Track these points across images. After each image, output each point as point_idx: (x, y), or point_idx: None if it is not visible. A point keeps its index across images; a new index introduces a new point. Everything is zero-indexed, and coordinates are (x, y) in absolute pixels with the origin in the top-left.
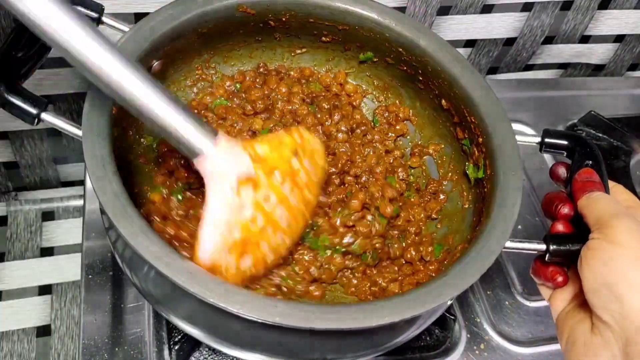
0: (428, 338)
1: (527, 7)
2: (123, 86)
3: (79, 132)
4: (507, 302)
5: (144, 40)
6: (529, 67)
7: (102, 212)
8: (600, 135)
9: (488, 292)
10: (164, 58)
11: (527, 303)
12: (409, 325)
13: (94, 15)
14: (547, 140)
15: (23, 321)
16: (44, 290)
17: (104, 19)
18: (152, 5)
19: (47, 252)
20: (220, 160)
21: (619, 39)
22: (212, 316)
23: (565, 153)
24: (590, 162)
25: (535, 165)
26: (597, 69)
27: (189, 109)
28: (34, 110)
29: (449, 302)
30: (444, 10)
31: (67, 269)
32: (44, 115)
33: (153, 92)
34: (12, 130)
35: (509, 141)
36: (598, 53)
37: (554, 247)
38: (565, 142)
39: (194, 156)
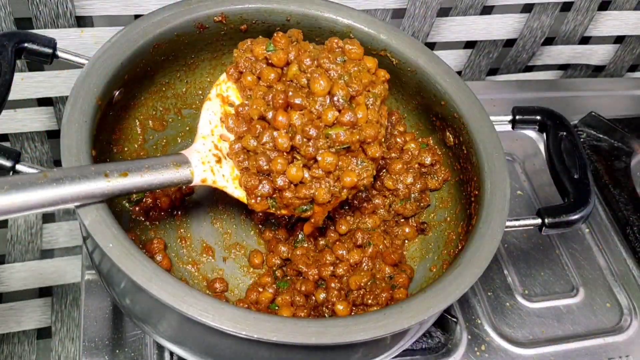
0: (429, 340)
1: (527, 9)
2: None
3: None
4: (507, 304)
5: (111, 67)
6: (529, 68)
7: (86, 237)
8: (601, 136)
9: (489, 294)
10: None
11: (528, 304)
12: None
13: (48, 51)
14: (518, 117)
15: (23, 323)
16: (45, 292)
17: (58, 52)
18: (150, 5)
19: (47, 254)
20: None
21: (619, 40)
22: (200, 334)
23: (537, 127)
24: (564, 133)
25: (535, 166)
26: (597, 70)
27: (155, 162)
28: (7, 163)
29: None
30: (444, 12)
31: (67, 271)
32: (18, 167)
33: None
34: (13, 132)
35: (484, 123)
36: (598, 54)
37: (550, 219)
38: (536, 117)
39: (189, 183)
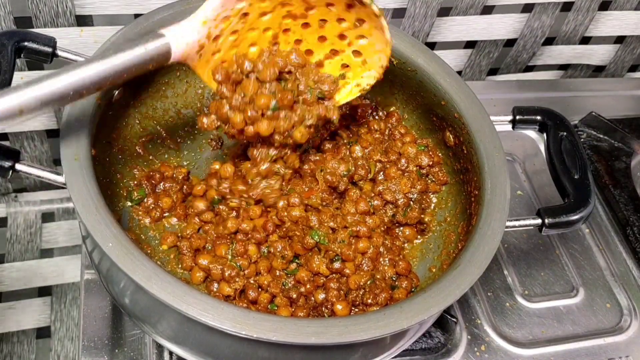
0: (429, 340)
1: (527, 8)
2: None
3: (59, 179)
4: (507, 304)
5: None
6: (530, 68)
7: (85, 236)
8: (601, 136)
9: (489, 294)
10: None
11: (528, 304)
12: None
13: (48, 49)
14: (518, 117)
15: (23, 322)
16: (44, 291)
17: (58, 52)
18: (150, 4)
19: (46, 253)
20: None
21: (619, 40)
22: (200, 334)
23: (537, 127)
24: (564, 133)
25: (535, 166)
26: (597, 70)
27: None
28: (7, 163)
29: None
30: (444, 12)
31: (66, 270)
32: (18, 166)
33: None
34: (12, 131)
35: (484, 123)
36: (598, 54)
37: (550, 219)
38: (536, 117)
39: (168, 59)
